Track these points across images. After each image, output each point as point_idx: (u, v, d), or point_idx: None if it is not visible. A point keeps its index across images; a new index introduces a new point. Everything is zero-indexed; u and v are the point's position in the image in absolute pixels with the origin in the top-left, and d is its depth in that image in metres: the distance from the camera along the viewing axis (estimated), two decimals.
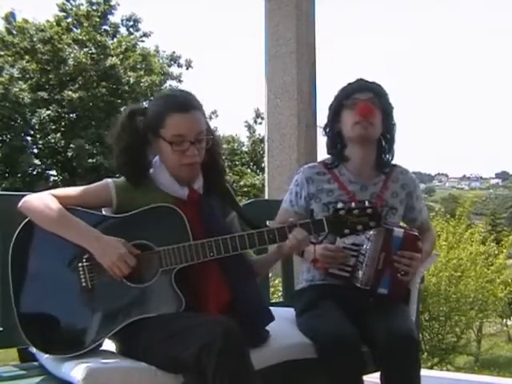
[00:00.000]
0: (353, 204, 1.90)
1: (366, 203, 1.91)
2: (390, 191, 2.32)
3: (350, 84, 2.33)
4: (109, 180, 1.93)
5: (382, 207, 2.26)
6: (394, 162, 2.39)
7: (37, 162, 17.62)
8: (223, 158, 2.12)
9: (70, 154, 16.67)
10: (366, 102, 2.24)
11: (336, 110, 2.31)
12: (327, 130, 2.37)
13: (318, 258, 2.15)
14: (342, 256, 2.14)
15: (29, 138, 18.07)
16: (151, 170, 1.97)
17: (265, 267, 2.11)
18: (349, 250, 2.14)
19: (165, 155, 1.92)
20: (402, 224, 2.41)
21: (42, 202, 1.84)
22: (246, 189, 19.13)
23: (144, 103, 17.79)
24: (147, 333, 1.77)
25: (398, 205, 2.32)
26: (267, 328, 1.95)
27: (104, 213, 1.95)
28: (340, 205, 1.91)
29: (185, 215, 1.86)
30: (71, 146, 16.64)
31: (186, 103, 1.91)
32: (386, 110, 2.31)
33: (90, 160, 16.70)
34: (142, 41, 19.95)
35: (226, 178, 2.12)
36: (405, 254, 2.13)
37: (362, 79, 2.35)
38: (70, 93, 17.14)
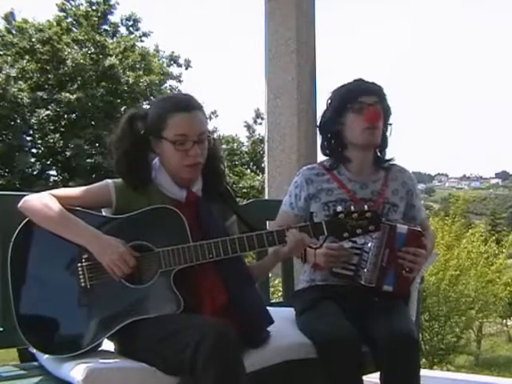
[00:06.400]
0: (352, 207, 1.90)
1: (366, 207, 1.90)
2: (390, 188, 2.31)
3: (351, 84, 2.31)
4: (109, 181, 1.93)
5: (384, 204, 2.26)
6: (393, 161, 2.39)
7: (33, 160, 17.58)
8: (223, 160, 2.11)
9: (68, 153, 16.65)
10: (374, 108, 2.24)
11: (339, 110, 2.29)
12: (325, 129, 2.36)
13: (318, 263, 2.15)
14: (345, 255, 2.12)
15: (28, 138, 18.05)
16: (152, 173, 1.95)
17: (263, 271, 2.10)
18: (352, 248, 2.13)
19: (167, 156, 1.91)
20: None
21: (42, 201, 1.84)
22: (245, 190, 19.10)
23: (144, 103, 17.83)
24: (145, 334, 1.77)
25: (398, 202, 2.31)
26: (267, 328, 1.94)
27: (104, 213, 1.94)
28: (339, 208, 1.90)
29: None
30: (70, 145, 16.62)
31: (187, 103, 1.90)
32: (387, 113, 2.32)
33: (88, 160, 16.67)
34: (142, 41, 19.95)
35: (225, 181, 2.11)
36: (409, 250, 2.11)
37: (362, 80, 2.33)
38: (68, 94, 17.13)
